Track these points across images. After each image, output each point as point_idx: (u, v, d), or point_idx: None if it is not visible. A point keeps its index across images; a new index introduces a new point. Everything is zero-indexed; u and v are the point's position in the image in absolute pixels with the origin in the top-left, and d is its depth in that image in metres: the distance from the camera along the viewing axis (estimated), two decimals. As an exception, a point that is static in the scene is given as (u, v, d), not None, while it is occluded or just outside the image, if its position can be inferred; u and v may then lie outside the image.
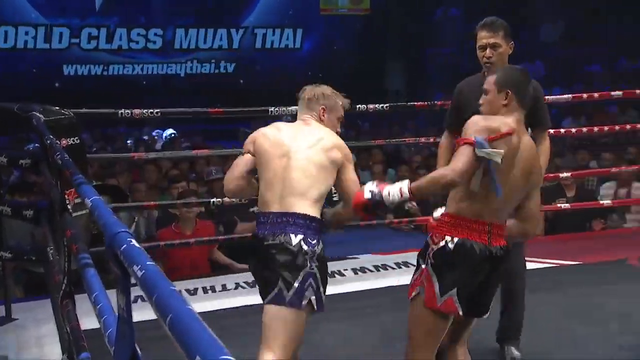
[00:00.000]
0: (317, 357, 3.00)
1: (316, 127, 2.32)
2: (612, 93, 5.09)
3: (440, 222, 2.16)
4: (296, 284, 2.13)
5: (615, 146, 6.09)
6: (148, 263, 0.88)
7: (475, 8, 12.37)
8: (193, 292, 3.88)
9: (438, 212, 2.27)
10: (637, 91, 5.52)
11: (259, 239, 2.20)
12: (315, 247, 2.17)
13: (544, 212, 4.97)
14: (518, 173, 2.13)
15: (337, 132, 2.37)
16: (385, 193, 2.05)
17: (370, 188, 2.09)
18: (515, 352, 2.92)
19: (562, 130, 5.38)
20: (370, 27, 12.85)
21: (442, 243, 2.10)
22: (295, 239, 2.14)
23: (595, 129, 5.50)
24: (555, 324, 3.30)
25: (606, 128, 5.36)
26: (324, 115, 2.36)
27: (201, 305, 3.61)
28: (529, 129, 2.97)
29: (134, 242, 0.98)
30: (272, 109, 3.96)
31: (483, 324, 2.91)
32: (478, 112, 2.85)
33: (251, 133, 2.41)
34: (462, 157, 2.01)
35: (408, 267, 4.31)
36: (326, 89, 2.42)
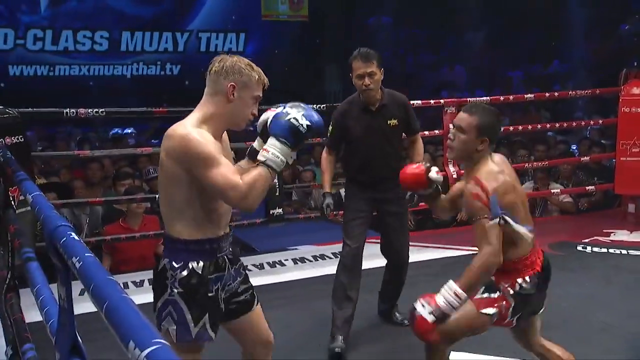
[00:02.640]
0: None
1: (187, 118, 1.82)
2: (526, 95, 5.32)
3: (500, 273, 2.09)
4: (157, 309, 1.85)
5: (528, 143, 6.32)
6: (86, 255, 0.86)
7: (404, 16, 12.60)
8: (139, 284, 3.81)
9: (434, 171, 2.26)
10: (547, 94, 5.82)
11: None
12: (177, 272, 1.81)
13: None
14: (518, 194, 2.14)
15: (252, 115, 1.90)
16: (443, 305, 2.00)
17: (427, 311, 2.01)
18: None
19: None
20: (308, 33, 12.88)
21: (517, 286, 2.09)
22: (161, 263, 1.85)
23: (511, 128, 5.72)
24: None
25: (520, 127, 5.57)
26: (232, 95, 1.83)
27: (147, 296, 3.57)
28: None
29: (73, 235, 0.95)
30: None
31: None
32: (362, 133, 2.99)
33: None
34: (492, 237, 1.99)
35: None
36: (240, 61, 1.86)
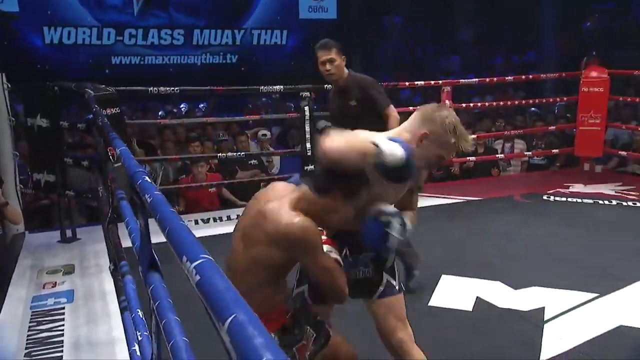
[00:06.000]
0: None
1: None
2: (507, 78, 5.11)
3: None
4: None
5: (508, 117, 6.11)
6: (155, 192, 0.84)
7: (413, 17, 12.19)
8: (206, 221, 3.84)
9: None
10: (523, 77, 5.59)
11: None
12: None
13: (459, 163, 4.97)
14: None
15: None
16: None
17: None
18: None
19: (471, 105, 5.38)
20: (337, 30, 12.54)
21: None
22: None
23: (494, 103, 5.51)
24: (463, 242, 3.35)
25: (502, 103, 5.36)
26: (421, 141, 1.40)
27: (213, 230, 3.56)
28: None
29: (147, 178, 0.94)
30: (262, 88, 3.85)
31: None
32: (334, 112, 2.74)
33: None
34: None
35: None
36: (449, 117, 1.39)
